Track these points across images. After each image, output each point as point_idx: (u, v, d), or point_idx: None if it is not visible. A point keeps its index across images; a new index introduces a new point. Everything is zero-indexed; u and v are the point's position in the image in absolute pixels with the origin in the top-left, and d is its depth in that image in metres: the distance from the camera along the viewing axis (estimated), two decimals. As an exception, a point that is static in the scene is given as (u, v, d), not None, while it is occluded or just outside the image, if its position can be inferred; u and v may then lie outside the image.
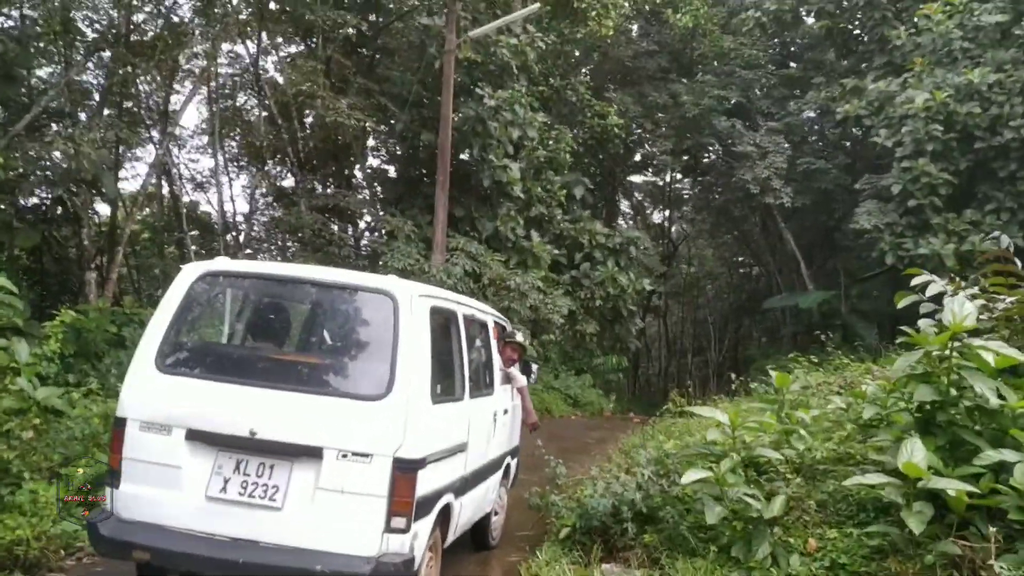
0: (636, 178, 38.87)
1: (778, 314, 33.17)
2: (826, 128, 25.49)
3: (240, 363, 4.94)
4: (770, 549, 5.53)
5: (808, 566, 5.49)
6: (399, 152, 20.64)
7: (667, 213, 41.62)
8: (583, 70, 24.22)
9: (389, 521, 4.20)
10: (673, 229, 42.29)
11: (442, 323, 5.09)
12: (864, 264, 26.98)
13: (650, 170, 37.85)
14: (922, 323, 6.88)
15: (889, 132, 20.71)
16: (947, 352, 5.54)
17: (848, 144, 26.64)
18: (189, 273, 4.75)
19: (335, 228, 19.50)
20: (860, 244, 25.63)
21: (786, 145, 24.59)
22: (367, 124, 17.25)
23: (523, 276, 17.06)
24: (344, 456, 4.24)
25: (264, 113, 20.17)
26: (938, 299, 7.13)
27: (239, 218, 23.07)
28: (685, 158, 29.32)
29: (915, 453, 4.92)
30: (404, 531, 4.24)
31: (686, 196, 40.91)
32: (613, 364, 22.07)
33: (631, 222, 37.73)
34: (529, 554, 6.54)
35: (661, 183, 40.75)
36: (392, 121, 19.41)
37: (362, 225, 21.67)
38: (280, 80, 20.42)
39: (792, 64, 28.50)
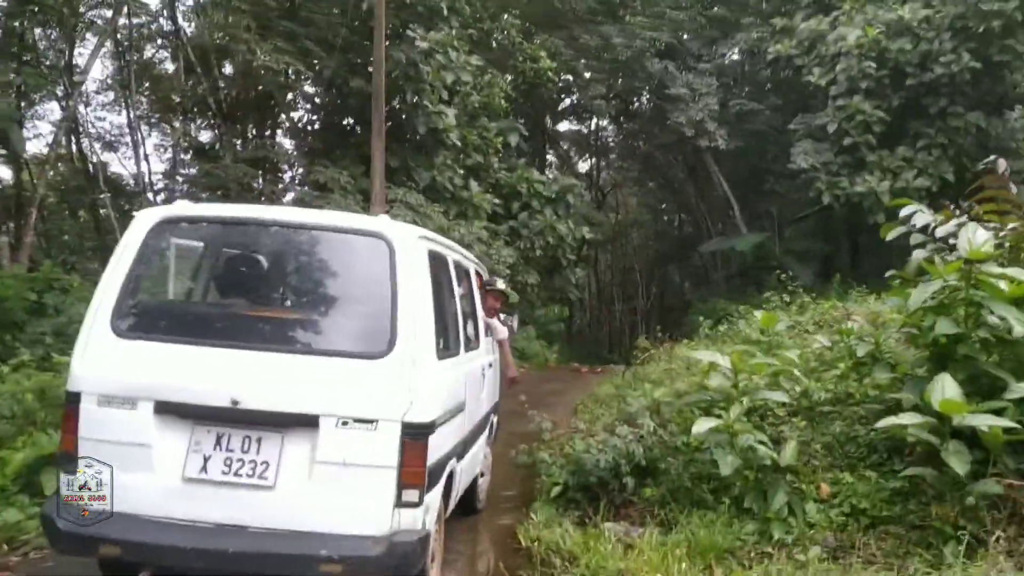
0: (562, 126, 38.47)
1: (708, 258, 33.42)
2: (756, 69, 25.38)
3: (214, 322, 4.27)
4: (786, 498, 5.22)
5: (826, 513, 5.21)
6: (327, 101, 19.63)
7: (594, 161, 41.41)
8: (512, 12, 23.37)
9: (400, 495, 3.69)
10: (601, 178, 42.09)
11: (439, 269, 4.53)
12: (796, 205, 27.22)
13: (575, 118, 37.48)
14: (917, 254, 6.62)
15: (822, 71, 20.70)
16: (963, 282, 5.26)
17: (773, 85, 26.58)
18: (144, 220, 4.06)
19: (261, 182, 18.51)
20: (793, 185, 25.81)
21: (717, 86, 24.42)
22: (295, 68, 16.24)
23: (466, 227, 16.48)
24: (344, 423, 3.69)
25: (180, 62, 18.86)
26: (923, 230, 6.91)
27: (156, 177, 21.79)
28: (615, 102, 28.88)
29: (947, 389, 4.63)
30: (416, 505, 3.73)
31: (612, 144, 40.74)
32: (555, 314, 21.77)
33: (557, 172, 37.38)
34: (521, 515, 6.13)
35: (587, 131, 40.47)
36: (318, 67, 18.36)
37: (288, 178, 20.70)
38: (195, 27, 19.15)
39: (715, 8, 28.28)
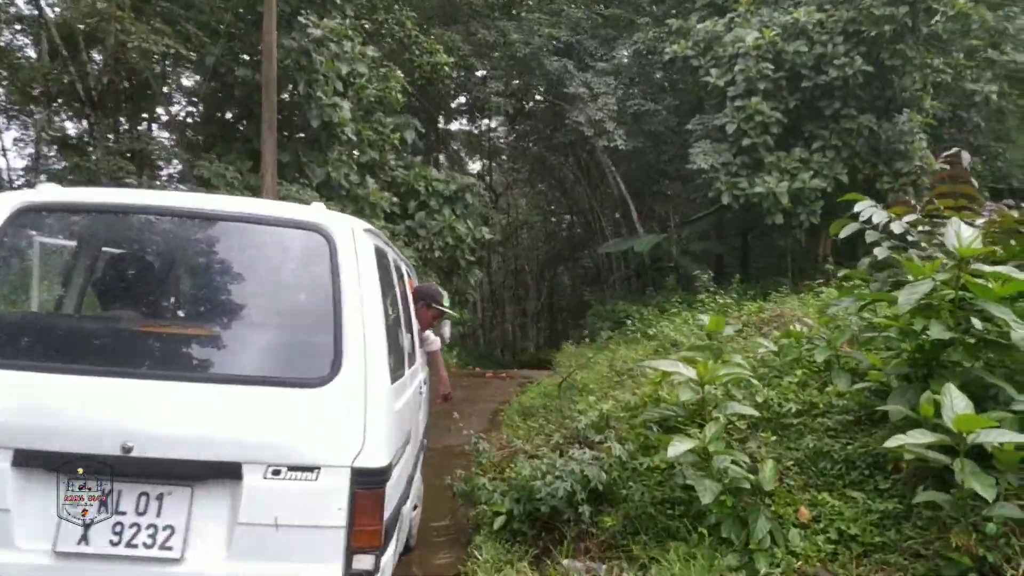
0: (454, 126, 37.84)
1: (602, 260, 33.34)
2: (653, 69, 25.28)
3: (95, 343, 3.27)
4: (768, 526, 4.64)
5: (811, 540, 4.65)
6: (210, 90, 18.20)
7: (486, 163, 40.91)
8: (407, 3, 22.42)
9: (350, 562, 2.86)
10: (492, 179, 41.65)
11: (385, 270, 3.69)
12: (691, 206, 27.35)
13: (467, 118, 36.89)
14: (879, 251, 6.22)
15: (720, 71, 20.68)
16: (951, 282, 4.81)
17: (669, 85, 26.58)
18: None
19: (137, 178, 16.96)
20: (691, 186, 25.88)
21: (615, 85, 24.20)
22: (175, 52, 14.86)
23: (366, 226, 15.46)
24: (275, 472, 2.85)
25: (44, 46, 17.11)
26: (874, 227, 6.55)
27: (16, 173, 19.80)
28: (511, 100, 28.31)
29: (956, 402, 4.13)
30: (371, 575, 2.91)
31: (503, 145, 40.36)
32: (455, 318, 20.95)
33: (450, 171, 36.63)
34: (461, 552, 5.36)
35: (478, 131, 39.95)
36: (200, 54, 16.96)
37: (167, 174, 19.10)
38: (60, 9, 17.43)
39: (612, 8, 28.12)
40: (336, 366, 2.93)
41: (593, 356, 12.03)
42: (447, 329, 6.54)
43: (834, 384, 5.91)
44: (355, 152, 18.07)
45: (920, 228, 6.46)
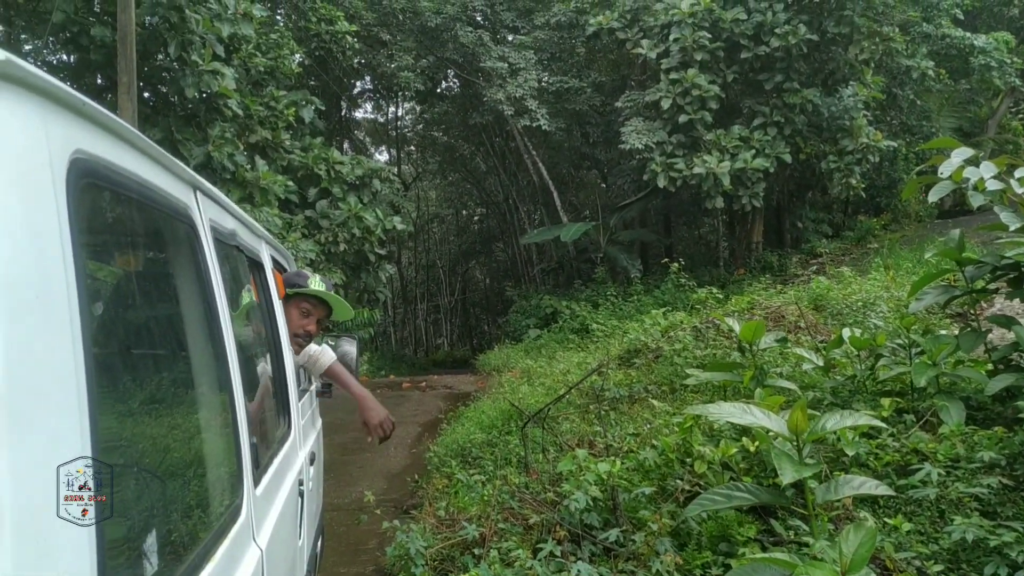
0: (359, 114, 35.26)
1: (520, 252, 31.29)
2: (574, 44, 23.27)
3: None
4: None
5: None
6: (59, 49, 15.28)
7: (394, 153, 38.43)
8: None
9: None
10: (401, 170, 39.20)
11: (135, 233, 1.30)
12: (619, 193, 25.52)
13: (371, 104, 34.38)
14: (1007, 217, 4.19)
15: (652, 43, 18.81)
16: None
17: (592, 61, 24.63)
18: None
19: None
20: (616, 171, 24.03)
21: (535, 61, 22.09)
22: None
23: (254, 214, 12.92)
24: None
25: None
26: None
27: None
28: (421, 78, 25.87)
29: None
30: None
31: (411, 135, 37.98)
32: (365, 319, 18.50)
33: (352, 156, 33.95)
34: None
35: (384, 120, 37.55)
36: (48, 13, 14.07)
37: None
38: None
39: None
40: None
41: (534, 364, 9.80)
42: (349, 346, 4.11)
43: (947, 422, 3.86)
44: (244, 130, 15.47)
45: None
